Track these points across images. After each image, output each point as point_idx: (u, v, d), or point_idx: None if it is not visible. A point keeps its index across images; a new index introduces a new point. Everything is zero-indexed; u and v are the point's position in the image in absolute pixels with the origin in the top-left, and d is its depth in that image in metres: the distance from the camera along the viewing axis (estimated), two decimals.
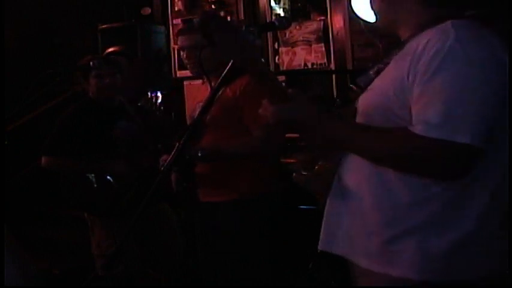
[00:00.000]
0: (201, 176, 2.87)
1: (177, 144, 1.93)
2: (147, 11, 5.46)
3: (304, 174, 1.85)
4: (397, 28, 1.74)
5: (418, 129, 1.50)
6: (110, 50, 4.05)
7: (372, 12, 1.85)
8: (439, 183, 1.56)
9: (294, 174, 1.86)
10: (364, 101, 1.71)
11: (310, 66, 4.73)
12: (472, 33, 1.56)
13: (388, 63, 1.69)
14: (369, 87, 1.71)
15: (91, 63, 3.35)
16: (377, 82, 1.69)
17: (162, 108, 2.56)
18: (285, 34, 4.83)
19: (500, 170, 1.60)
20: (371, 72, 1.74)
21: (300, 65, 4.77)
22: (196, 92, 5.01)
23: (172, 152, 1.94)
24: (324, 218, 1.81)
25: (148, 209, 2.09)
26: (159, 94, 2.67)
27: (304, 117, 1.67)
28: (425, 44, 1.53)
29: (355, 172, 1.70)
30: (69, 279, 4.54)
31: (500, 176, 1.60)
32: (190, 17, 5.21)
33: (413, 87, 1.53)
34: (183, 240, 3.65)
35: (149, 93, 2.54)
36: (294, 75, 4.74)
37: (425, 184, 1.57)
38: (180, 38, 3.00)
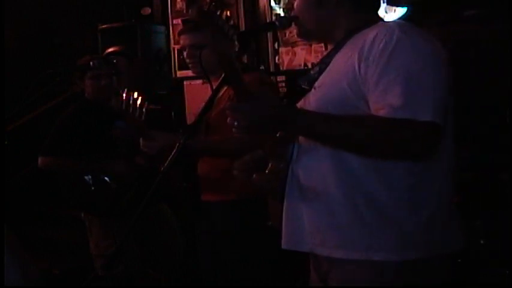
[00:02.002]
0: (201, 176, 2.87)
1: (177, 144, 1.92)
2: (147, 11, 5.46)
3: (265, 174, 1.84)
4: (328, 33, 1.87)
5: (382, 112, 1.58)
6: (110, 50, 4.05)
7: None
8: (401, 167, 1.66)
9: (255, 175, 1.86)
10: (316, 98, 1.76)
11: (310, 66, 4.72)
12: (414, 29, 1.70)
13: (329, 63, 1.80)
14: (315, 86, 1.78)
15: (91, 63, 3.35)
16: (325, 79, 1.77)
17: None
18: (285, 34, 4.83)
19: (448, 156, 1.73)
20: (312, 73, 1.83)
21: (300, 65, 4.76)
22: (196, 92, 5.03)
23: (173, 152, 1.94)
24: (285, 217, 1.85)
25: (148, 209, 2.09)
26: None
27: (275, 110, 1.66)
28: (372, 39, 1.64)
29: (317, 167, 1.75)
30: (69, 279, 4.54)
31: (448, 162, 1.74)
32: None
33: (366, 77, 1.63)
34: (183, 240, 3.65)
35: (124, 94, 2.50)
36: (294, 75, 4.73)
37: (389, 168, 1.67)
38: (181, 37, 3.00)
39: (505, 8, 3.74)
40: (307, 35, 2.02)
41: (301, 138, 1.81)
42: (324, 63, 1.83)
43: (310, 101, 1.77)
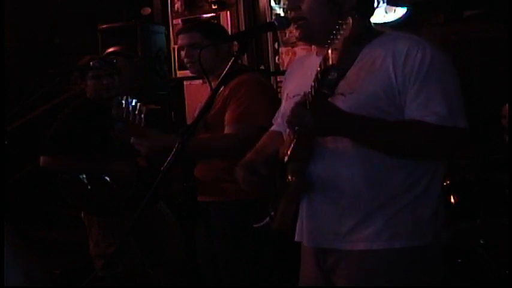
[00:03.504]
0: (201, 177, 2.87)
1: (177, 144, 1.92)
2: (147, 11, 5.47)
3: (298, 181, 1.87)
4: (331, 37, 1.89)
5: (431, 119, 1.75)
6: (110, 50, 4.05)
7: None
8: (423, 167, 1.84)
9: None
10: (351, 104, 1.79)
11: None
12: (433, 43, 1.87)
13: (347, 69, 1.80)
14: (343, 92, 1.81)
15: (91, 63, 3.35)
16: (355, 86, 1.81)
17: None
18: (285, 34, 4.83)
19: None
20: (330, 78, 1.83)
21: None
22: (196, 92, 5.03)
23: (172, 152, 1.94)
24: (306, 216, 1.93)
25: (148, 208, 2.09)
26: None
27: (328, 117, 1.72)
28: (406, 51, 1.80)
29: (345, 168, 1.84)
30: (69, 279, 4.54)
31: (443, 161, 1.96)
32: (190, 16, 5.22)
33: (405, 85, 1.79)
34: (182, 240, 3.65)
35: (123, 102, 2.48)
36: None
37: (413, 167, 1.83)
38: (179, 36, 3.00)
39: (505, 8, 3.75)
40: (310, 39, 2.01)
41: (327, 139, 1.84)
42: (340, 70, 1.82)
43: (343, 107, 1.78)
